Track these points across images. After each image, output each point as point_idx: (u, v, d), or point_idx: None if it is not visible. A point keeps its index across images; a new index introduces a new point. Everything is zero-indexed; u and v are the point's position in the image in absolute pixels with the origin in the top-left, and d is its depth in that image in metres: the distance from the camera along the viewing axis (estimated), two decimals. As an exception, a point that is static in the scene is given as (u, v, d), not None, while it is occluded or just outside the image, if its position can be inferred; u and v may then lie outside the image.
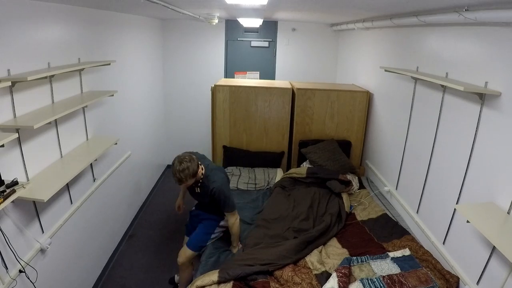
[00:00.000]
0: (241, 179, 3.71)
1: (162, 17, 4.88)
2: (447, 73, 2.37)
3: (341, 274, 2.12)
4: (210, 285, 2.13)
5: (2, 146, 1.69)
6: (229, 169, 3.91)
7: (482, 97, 1.98)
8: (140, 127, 4.44)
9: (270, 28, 5.18)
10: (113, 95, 3.08)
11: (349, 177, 3.57)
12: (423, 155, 2.67)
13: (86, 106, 2.76)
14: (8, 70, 1.93)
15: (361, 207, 3.20)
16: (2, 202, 1.68)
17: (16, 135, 1.78)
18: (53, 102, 2.43)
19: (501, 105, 1.85)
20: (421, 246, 2.49)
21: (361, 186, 3.64)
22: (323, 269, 2.35)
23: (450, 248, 2.29)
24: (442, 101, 2.43)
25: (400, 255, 2.37)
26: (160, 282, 3.31)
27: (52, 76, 2.32)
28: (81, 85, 2.84)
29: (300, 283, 2.18)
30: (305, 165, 3.80)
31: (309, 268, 2.37)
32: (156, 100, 5.17)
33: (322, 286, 2.13)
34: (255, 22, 4.64)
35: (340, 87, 4.03)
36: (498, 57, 1.90)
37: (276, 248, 2.48)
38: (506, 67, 1.83)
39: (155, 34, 4.94)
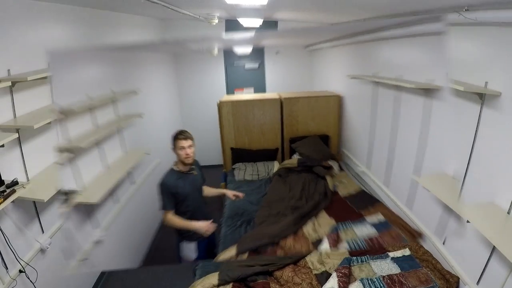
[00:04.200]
0: (247, 172, 4.54)
1: (162, 17, 4.91)
2: (447, 73, 2.37)
3: (341, 274, 2.12)
4: (211, 288, 2.14)
5: (2, 146, 1.70)
6: (237, 165, 4.72)
7: (482, 97, 1.98)
8: (161, 136, 4.59)
9: (258, 53, 6.63)
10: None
11: (331, 163, 4.34)
12: (409, 154, 2.67)
13: (89, 108, 2.77)
14: (8, 70, 1.93)
15: (342, 185, 3.90)
16: (2, 202, 1.68)
17: (16, 135, 1.78)
18: (53, 102, 2.43)
19: (501, 105, 1.85)
20: (421, 246, 2.49)
21: (341, 169, 4.46)
22: (323, 269, 2.35)
23: (450, 248, 2.29)
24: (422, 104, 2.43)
25: (400, 255, 2.37)
26: (160, 282, 3.31)
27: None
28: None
29: (300, 283, 2.18)
30: (296, 156, 4.54)
31: (309, 268, 2.37)
32: (175, 116, 6.20)
33: (322, 286, 2.13)
34: (247, 50, 6.15)
35: (317, 94, 4.92)
36: (498, 57, 1.89)
37: (278, 224, 2.97)
38: (506, 67, 1.82)
39: (169, 66, 5.97)
